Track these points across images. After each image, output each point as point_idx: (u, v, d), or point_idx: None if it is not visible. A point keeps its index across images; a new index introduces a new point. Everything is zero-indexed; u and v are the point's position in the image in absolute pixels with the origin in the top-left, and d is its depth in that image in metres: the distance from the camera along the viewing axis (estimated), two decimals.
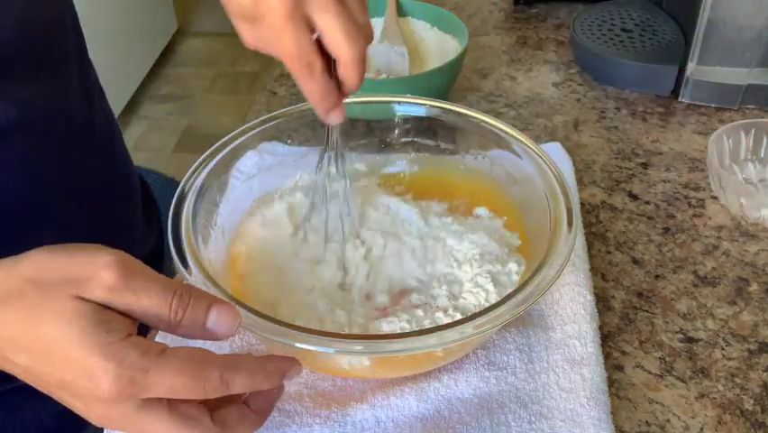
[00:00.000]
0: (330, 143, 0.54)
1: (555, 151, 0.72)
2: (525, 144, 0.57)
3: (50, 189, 0.59)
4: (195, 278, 0.47)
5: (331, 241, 0.56)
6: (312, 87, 0.47)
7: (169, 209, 0.52)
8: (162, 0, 2.71)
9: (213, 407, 0.42)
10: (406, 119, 0.64)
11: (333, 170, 0.55)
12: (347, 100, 0.62)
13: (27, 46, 0.55)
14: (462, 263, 0.54)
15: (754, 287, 0.60)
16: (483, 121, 0.60)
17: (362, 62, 0.47)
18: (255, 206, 0.60)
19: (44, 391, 0.40)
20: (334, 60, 0.47)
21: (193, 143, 2.29)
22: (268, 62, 2.62)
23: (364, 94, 0.64)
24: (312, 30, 0.45)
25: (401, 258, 0.56)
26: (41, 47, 0.57)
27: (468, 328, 0.44)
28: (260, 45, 0.48)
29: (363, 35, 0.47)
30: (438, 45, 0.84)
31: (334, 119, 0.50)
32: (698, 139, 0.76)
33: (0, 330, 0.39)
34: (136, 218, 0.73)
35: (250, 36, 0.47)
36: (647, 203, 0.68)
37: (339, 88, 0.49)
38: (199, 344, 0.43)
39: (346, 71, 0.47)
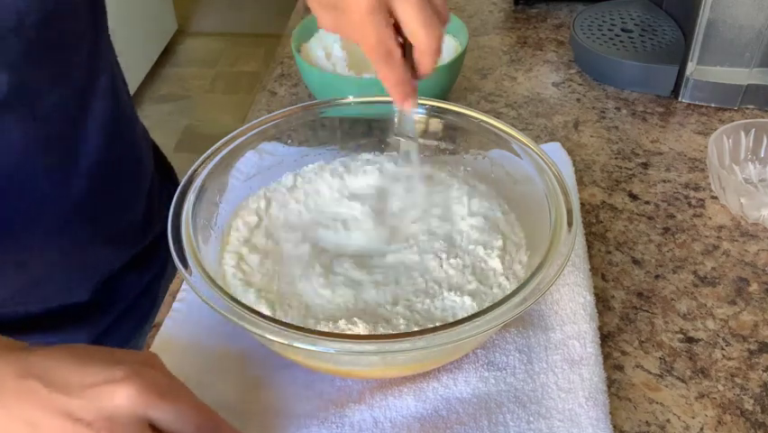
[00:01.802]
0: (402, 132, 0.57)
1: (555, 151, 0.72)
2: (525, 144, 0.57)
3: (35, 159, 0.59)
4: (195, 278, 0.47)
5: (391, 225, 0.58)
6: (389, 74, 0.49)
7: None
8: (162, 0, 2.71)
9: None
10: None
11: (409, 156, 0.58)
12: (347, 100, 0.63)
13: (36, 19, 0.54)
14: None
15: (754, 287, 0.60)
16: (483, 121, 0.60)
17: (438, 49, 0.49)
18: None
19: None
20: (409, 44, 0.49)
21: (193, 143, 2.29)
22: (268, 62, 2.63)
23: (364, 94, 0.64)
24: (391, 15, 0.47)
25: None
26: (50, 23, 0.56)
27: (468, 328, 0.44)
28: (337, 31, 0.49)
29: (440, 21, 0.48)
30: None
31: (409, 105, 0.52)
32: (698, 139, 0.76)
33: None
34: (129, 200, 0.72)
35: (328, 22, 0.49)
36: (647, 203, 0.68)
37: (412, 72, 0.51)
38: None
39: (422, 58, 0.49)
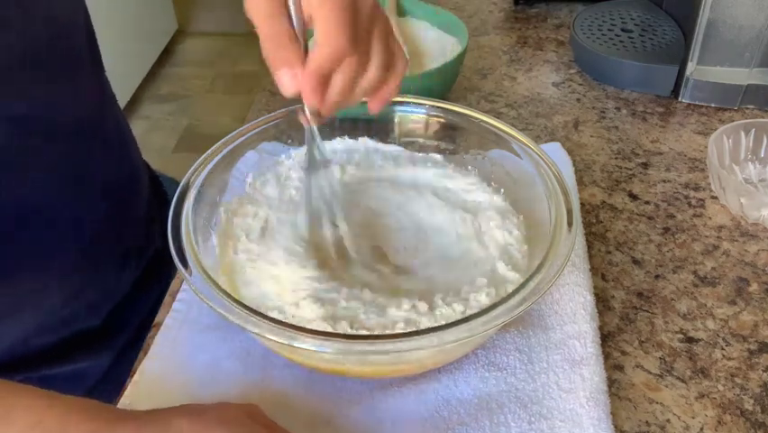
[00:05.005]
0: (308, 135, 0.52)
1: (555, 151, 0.72)
2: (525, 144, 0.57)
3: (54, 188, 0.60)
4: (195, 278, 0.47)
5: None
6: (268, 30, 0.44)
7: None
8: (162, 0, 2.71)
9: None
10: (407, 119, 0.64)
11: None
12: None
13: (48, 45, 0.55)
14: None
15: (754, 287, 0.60)
16: (483, 121, 0.60)
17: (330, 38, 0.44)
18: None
19: None
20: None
21: (193, 143, 2.29)
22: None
23: None
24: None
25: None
26: (59, 47, 0.57)
27: (467, 329, 0.44)
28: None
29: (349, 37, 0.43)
30: (438, 45, 0.84)
31: (287, 83, 0.46)
32: (698, 139, 0.76)
33: None
34: (140, 219, 0.74)
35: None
36: (647, 203, 0.68)
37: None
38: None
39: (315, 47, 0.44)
